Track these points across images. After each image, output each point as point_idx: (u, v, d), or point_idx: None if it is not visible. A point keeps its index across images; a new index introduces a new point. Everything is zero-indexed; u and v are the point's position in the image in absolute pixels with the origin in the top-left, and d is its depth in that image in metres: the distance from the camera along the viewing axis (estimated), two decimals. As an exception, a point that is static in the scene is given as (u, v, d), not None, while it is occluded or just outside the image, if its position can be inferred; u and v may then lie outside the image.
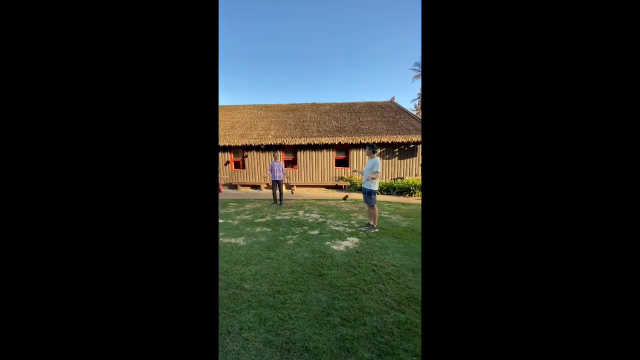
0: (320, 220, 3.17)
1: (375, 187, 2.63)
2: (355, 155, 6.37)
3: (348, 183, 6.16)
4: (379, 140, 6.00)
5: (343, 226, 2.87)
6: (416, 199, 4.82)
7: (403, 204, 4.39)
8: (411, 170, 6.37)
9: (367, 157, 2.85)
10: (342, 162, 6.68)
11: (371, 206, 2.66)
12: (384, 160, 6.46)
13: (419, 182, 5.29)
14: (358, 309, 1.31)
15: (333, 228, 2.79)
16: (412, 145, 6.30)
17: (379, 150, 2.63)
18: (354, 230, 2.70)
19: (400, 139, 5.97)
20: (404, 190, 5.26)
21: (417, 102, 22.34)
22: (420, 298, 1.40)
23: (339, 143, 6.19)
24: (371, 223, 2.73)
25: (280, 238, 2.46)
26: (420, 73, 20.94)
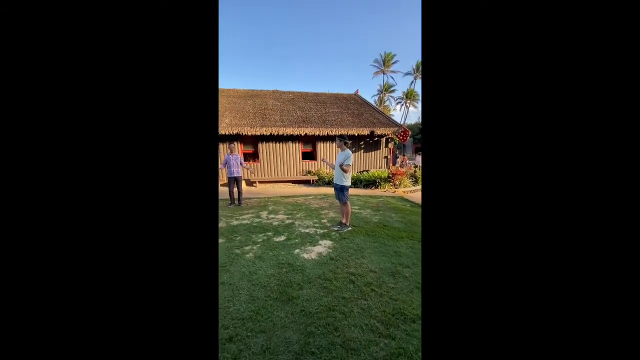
0: (287, 221, 2.79)
1: (348, 183, 2.39)
2: (323, 148, 6.27)
3: (316, 177, 5.96)
4: (345, 133, 5.87)
5: (314, 227, 2.57)
6: (382, 191, 4.94)
7: (371, 196, 4.43)
8: (376, 163, 6.56)
9: (337, 149, 2.50)
10: (309, 155, 6.36)
11: (343, 203, 2.42)
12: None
13: (384, 174, 5.45)
14: (340, 345, 1.01)
15: (302, 231, 2.45)
16: (376, 138, 6.45)
17: (350, 142, 2.36)
18: (325, 231, 2.45)
19: (365, 131, 6.00)
20: (370, 183, 5.34)
21: (376, 97, 23.71)
22: (407, 313, 1.20)
23: (306, 135, 5.83)
24: (343, 221, 2.51)
25: (237, 251, 1.97)
26: (380, 70, 22.29)
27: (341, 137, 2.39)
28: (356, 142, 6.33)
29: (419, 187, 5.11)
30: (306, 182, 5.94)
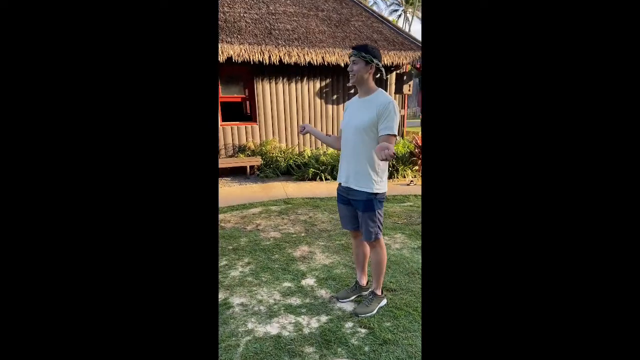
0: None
1: (383, 185, 1.60)
2: (274, 95, 5.43)
3: (259, 161, 5.03)
4: (320, 58, 5.03)
5: (287, 308, 1.79)
6: (403, 182, 4.44)
7: (394, 197, 3.84)
8: (379, 125, 6.05)
9: (352, 86, 1.53)
10: (239, 111, 5.54)
11: (374, 239, 1.64)
12: (330, 105, 5.71)
13: (403, 149, 4.95)
14: None
15: (257, 332, 1.60)
16: (378, 75, 5.86)
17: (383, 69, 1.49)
18: (325, 318, 1.70)
19: (361, 58, 5.28)
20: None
21: None
22: None
23: (229, 61, 4.77)
24: (363, 283, 1.83)
25: None
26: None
27: (367, 50, 1.53)
28: (335, 78, 5.65)
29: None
30: (237, 174, 5.26)
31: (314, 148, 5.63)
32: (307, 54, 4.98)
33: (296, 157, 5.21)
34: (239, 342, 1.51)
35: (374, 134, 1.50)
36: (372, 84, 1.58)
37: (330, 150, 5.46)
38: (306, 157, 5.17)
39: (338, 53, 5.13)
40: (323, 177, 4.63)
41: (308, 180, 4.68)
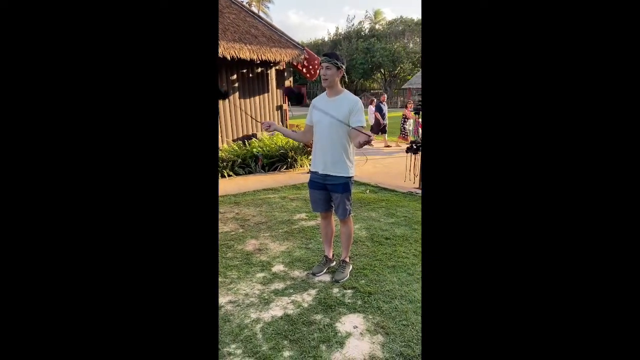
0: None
1: (354, 170, 1.96)
2: None
3: None
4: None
5: (281, 302, 1.90)
6: (301, 172, 4.88)
7: (295, 187, 4.21)
8: (264, 119, 6.26)
9: (327, 88, 1.91)
10: None
11: (348, 217, 1.99)
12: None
13: (296, 143, 5.38)
14: None
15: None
16: (259, 70, 6.04)
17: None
18: (313, 291, 1.94)
19: (246, 52, 5.33)
20: (275, 160, 5.06)
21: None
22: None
23: None
24: (343, 257, 2.13)
25: None
26: None
27: (337, 58, 1.81)
28: (220, 71, 5.51)
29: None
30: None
31: (202, 145, 5.34)
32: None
33: (186, 155, 4.85)
34: (254, 331, 1.59)
35: (346, 127, 1.84)
36: (339, 85, 1.89)
37: (225, 145, 5.33)
38: (198, 154, 4.88)
39: (223, 46, 5.03)
40: (226, 174, 4.54)
41: (209, 178, 4.49)
